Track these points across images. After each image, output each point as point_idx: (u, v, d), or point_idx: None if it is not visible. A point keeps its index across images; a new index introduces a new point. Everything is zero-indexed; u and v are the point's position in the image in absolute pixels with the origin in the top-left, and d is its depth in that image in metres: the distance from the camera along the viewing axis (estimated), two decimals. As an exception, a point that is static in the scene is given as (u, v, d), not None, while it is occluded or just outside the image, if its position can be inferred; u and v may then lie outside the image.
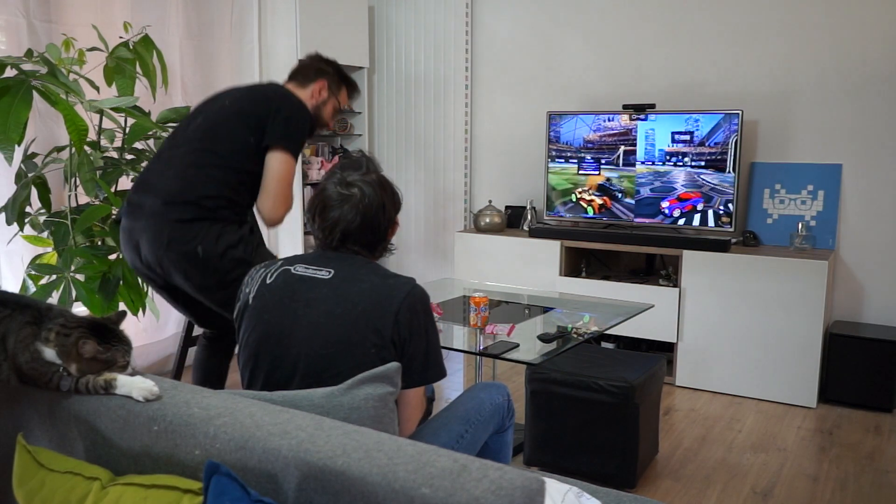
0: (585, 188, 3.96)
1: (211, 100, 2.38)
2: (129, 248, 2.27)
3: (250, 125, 2.27)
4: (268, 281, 1.66)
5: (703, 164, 3.64)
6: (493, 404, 1.92)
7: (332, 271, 1.63)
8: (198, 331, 3.27)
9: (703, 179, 3.65)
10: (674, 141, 3.71)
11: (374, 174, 1.70)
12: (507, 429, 2.00)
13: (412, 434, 1.72)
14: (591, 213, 3.98)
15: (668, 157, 3.73)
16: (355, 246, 1.68)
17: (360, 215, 1.65)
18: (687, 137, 3.67)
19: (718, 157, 3.60)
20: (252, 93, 2.38)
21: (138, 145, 2.53)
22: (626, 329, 3.67)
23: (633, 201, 3.85)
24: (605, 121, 3.88)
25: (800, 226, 3.59)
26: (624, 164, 3.85)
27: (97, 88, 2.45)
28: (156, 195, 2.22)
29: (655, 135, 3.75)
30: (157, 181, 2.26)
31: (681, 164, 3.70)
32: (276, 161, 2.28)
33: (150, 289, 2.50)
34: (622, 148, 3.84)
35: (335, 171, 1.71)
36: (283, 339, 1.60)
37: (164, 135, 2.46)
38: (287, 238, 4.29)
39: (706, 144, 3.62)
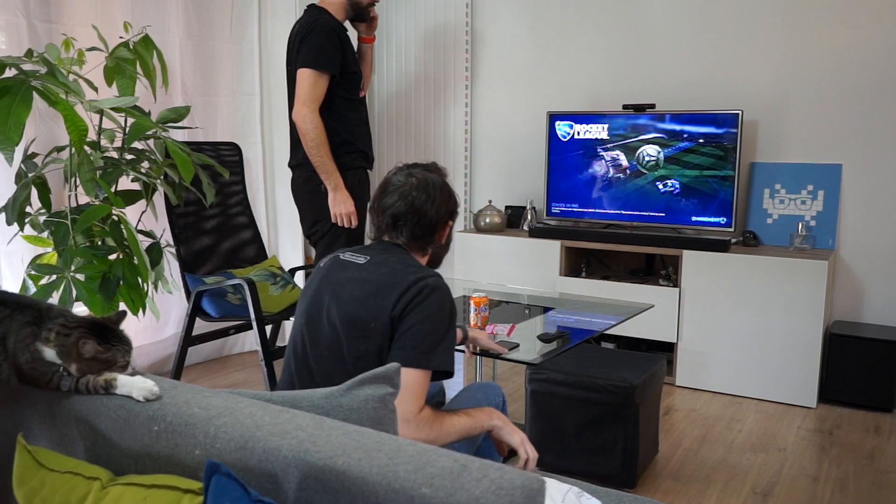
0: (589, 189, 3.96)
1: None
2: None
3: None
4: (321, 264, 1.84)
5: (702, 164, 3.65)
6: (491, 406, 1.92)
7: (369, 257, 1.74)
8: (198, 330, 3.27)
9: (705, 180, 3.65)
10: (676, 140, 3.71)
11: (436, 173, 1.83)
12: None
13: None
14: (590, 213, 3.98)
15: (669, 158, 3.73)
16: (403, 236, 1.77)
17: (409, 200, 1.75)
18: (688, 137, 3.67)
19: (719, 157, 3.60)
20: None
21: (138, 145, 2.52)
22: (626, 329, 3.67)
23: (633, 201, 3.85)
24: (608, 121, 3.88)
25: (800, 226, 3.59)
26: (625, 164, 3.85)
27: (95, 89, 2.45)
28: None
29: (656, 135, 3.75)
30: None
31: (680, 164, 3.70)
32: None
33: (150, 289, 2.49)
34: (632, 147, 3.84)
35: (403, 166, 1.85)
36: (318, 314, 1.73)
37: (165, 135, 2.45)
38: (286, 232, 4.29)
39: (706, 144, 3.62)
